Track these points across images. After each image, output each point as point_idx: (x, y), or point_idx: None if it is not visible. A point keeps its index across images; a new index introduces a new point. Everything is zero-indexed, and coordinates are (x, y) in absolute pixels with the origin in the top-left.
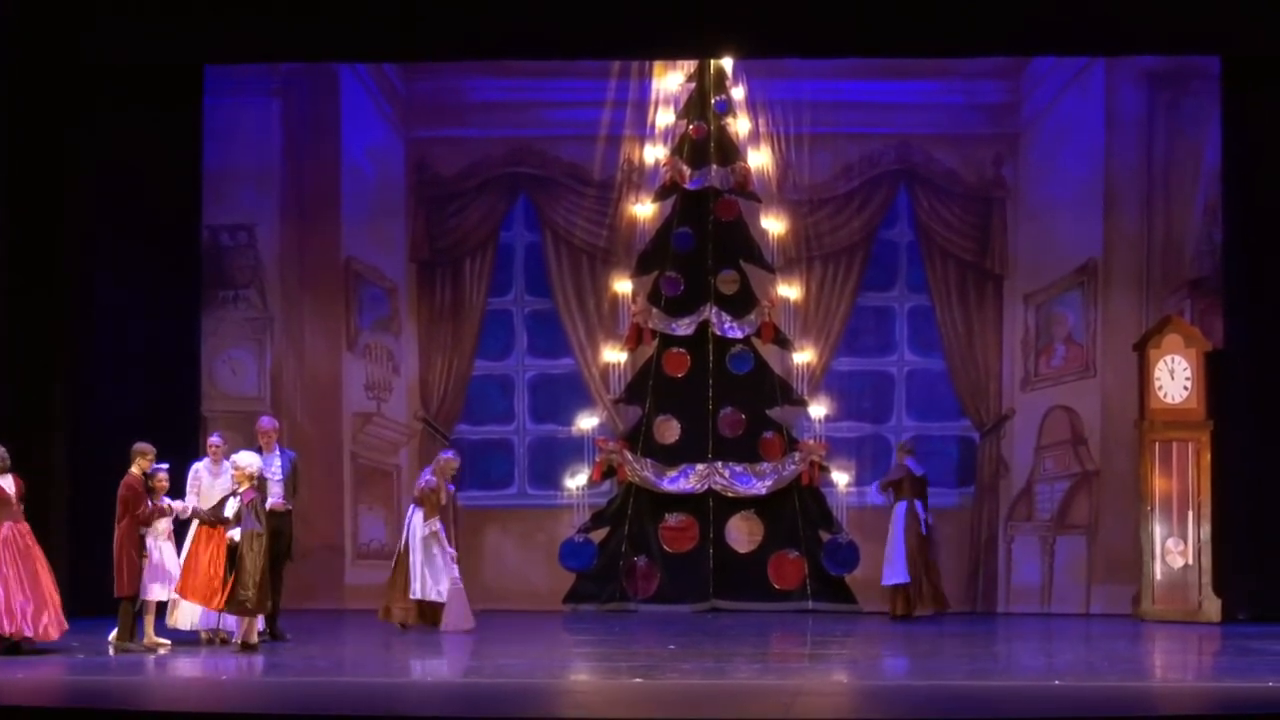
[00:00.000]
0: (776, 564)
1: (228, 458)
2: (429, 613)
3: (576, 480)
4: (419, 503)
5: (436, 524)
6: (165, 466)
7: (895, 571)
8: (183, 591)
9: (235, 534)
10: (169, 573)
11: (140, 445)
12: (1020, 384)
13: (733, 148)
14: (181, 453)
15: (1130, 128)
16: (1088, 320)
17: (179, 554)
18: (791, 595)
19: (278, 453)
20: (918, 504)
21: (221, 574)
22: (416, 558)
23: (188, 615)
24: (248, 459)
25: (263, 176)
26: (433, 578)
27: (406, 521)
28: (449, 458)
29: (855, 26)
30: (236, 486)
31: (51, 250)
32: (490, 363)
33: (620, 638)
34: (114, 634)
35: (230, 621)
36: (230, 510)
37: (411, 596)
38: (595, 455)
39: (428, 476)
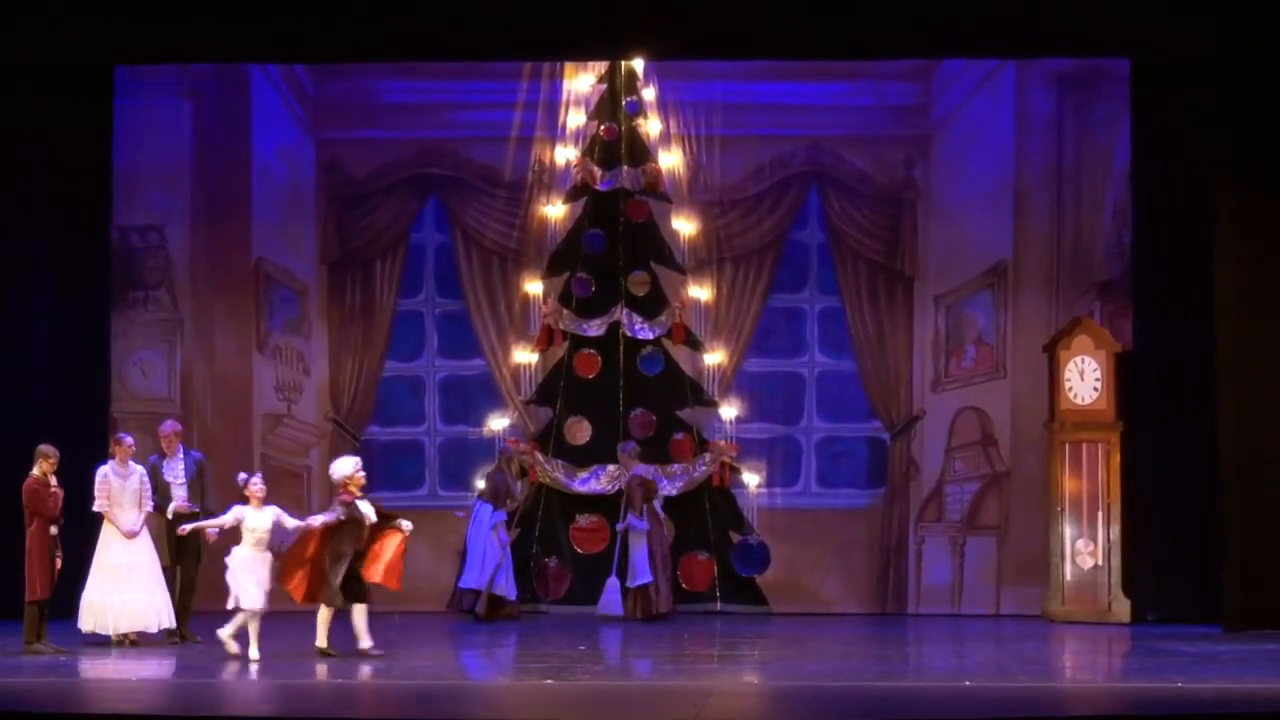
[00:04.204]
0: (685, 566)
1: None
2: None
3: None
4: (493, 497)
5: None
6: (258, 477)
7: (640, 573)
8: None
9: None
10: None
11: (43, 448)
12: (930, 385)
13: (643, 149)
14: (91, 455)
15: (1040, 130)
16: (998, 321)
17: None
18: (700, 597)
19: (181, 456)
20: (656, 505)
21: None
22: (478, 548)
23: (93, 618)
24: (348, 464)
25: (173, 177)
26: (483, 567)
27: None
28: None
29: (766, 28)
30: (350, 497)
31: None
32: (401, 364)
33: (531, 639)
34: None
35: (141, 622)
36: (367, 508)
37: (460, 585)
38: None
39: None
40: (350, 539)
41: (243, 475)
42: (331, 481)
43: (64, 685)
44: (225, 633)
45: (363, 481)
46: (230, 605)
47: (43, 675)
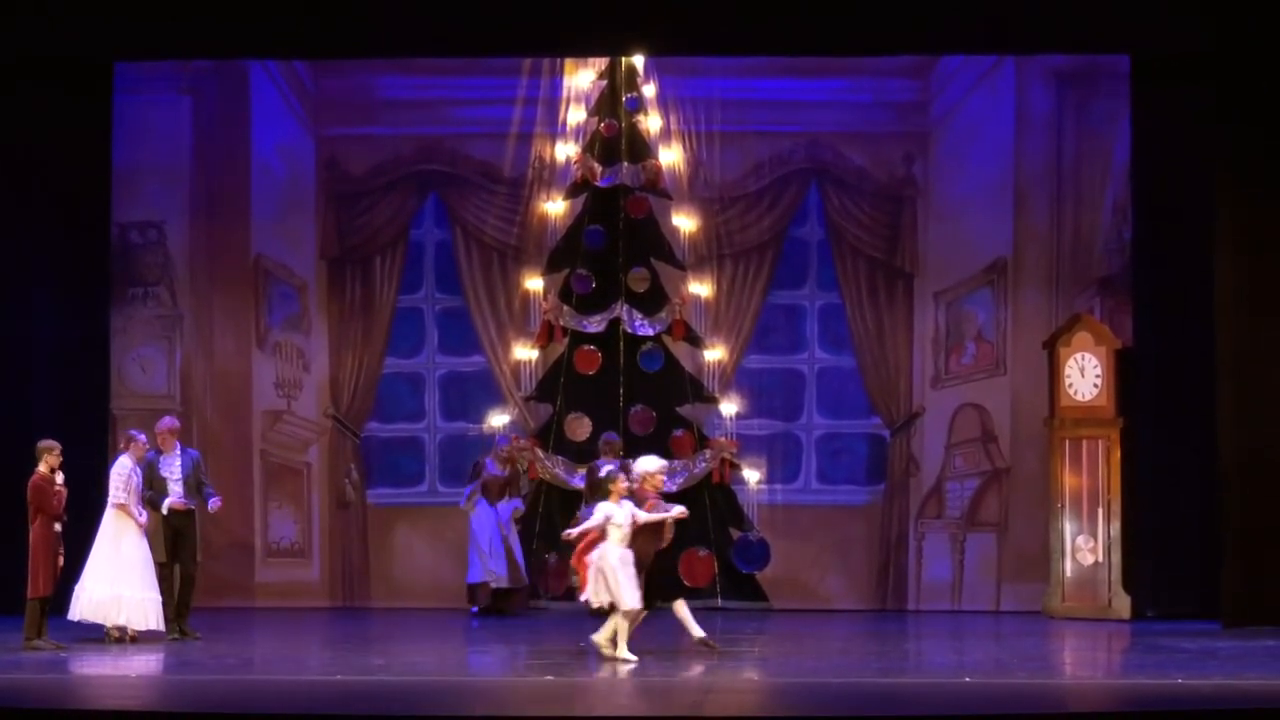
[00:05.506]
0: (686, 562)
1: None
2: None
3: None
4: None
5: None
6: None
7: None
8: None
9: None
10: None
11: (45, 442)
12: (930, 382)
13: (644, 145)
14: (91, 451)
15: (1039, 126)
16: (998, 318)
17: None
18: (701, 593)
19: (178, 453)
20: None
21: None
22: (484, 541)
23: (103, 612)
24: (653, 463)
25: (173, 174)
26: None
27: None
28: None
29: (765, 24)
30: (654, 498)
31: None
32: (401, 360)
33: (531, 635)
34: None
35: (153, 619)
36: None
37: (469, 580)
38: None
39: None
40: (652, 539)
41: (603, 465)
42: (655, 480)
43: (64, 682)
44: (621, 652)
45: (661, 485)
46: (595, 604)
47: (43, 672)
